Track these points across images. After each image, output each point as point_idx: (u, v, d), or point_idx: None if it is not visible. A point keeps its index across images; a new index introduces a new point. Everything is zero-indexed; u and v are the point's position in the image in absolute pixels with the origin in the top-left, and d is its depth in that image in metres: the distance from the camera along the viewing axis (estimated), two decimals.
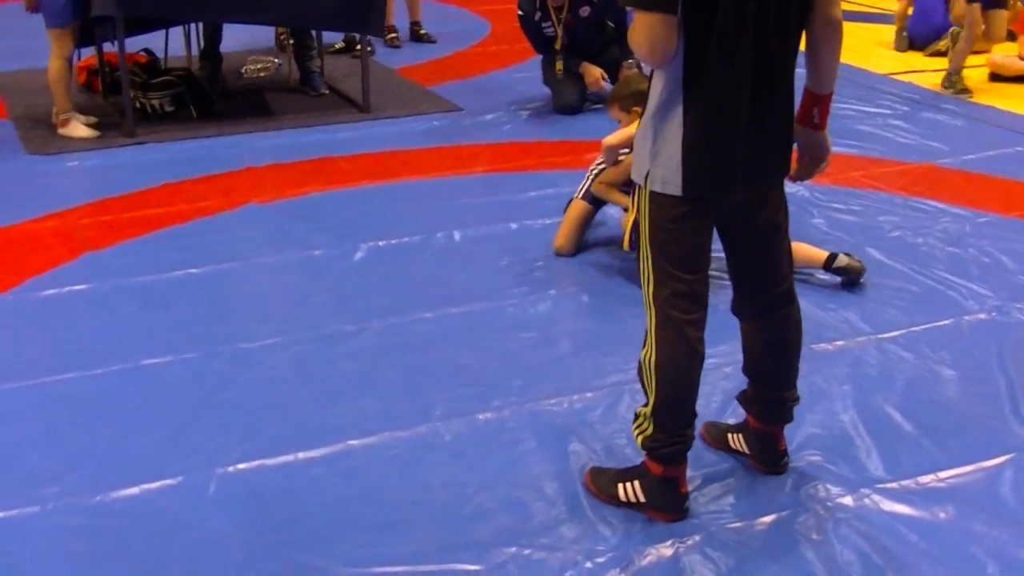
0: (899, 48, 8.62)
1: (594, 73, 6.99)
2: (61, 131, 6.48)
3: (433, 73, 8.02)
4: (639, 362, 3.09)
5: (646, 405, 3.10)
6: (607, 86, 6.89)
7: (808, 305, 4.32)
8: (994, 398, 3.76)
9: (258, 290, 4.61)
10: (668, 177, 2.88)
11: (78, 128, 6.46)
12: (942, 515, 3.17)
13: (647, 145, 2.91)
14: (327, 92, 7.37)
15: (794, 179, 3.22)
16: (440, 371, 3.95)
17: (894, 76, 7.89)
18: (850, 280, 4.55)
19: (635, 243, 3.70)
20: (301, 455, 3.47)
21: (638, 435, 3.12)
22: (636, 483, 3.18)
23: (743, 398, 3.37)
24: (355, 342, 4.16)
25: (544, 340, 4.16)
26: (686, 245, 2.97)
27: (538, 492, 3.30)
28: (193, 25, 7.38)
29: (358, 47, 7.70)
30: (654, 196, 2.93)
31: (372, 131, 6.69)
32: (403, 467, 3.43)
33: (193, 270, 4.76)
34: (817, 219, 5.12)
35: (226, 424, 3.64)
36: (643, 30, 2.76)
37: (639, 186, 2.99)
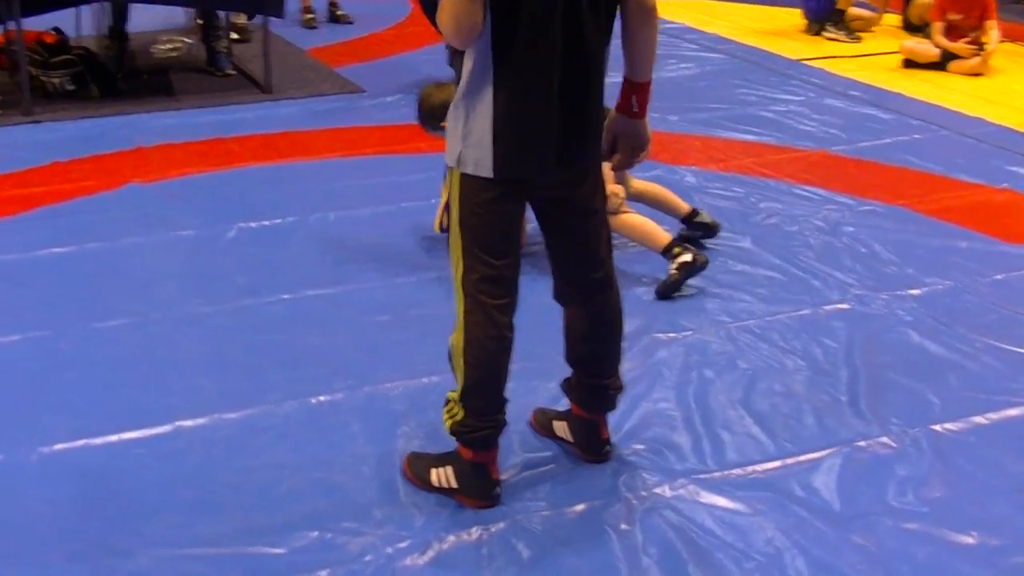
0: (809, 31, 8.60)
1: None
2: None
3: (342, 54, 7.98)
4: (448, 346, 3.07)
5: (455, 390, 3.08)
6: None
7: (644, 297, 4.35)
8: (835, 390, 3.75)
9: (121, 270, 4.57)
10: (479, 159, 2.87)
11: None
12: (756, 507, 3.17)
13: (458, 126, 2.90)
14: (233, 72, 7.33)
15: (614, 168, 3.21)
16: (286, 353, 3.93)
17: (807, 62, 7.86)
18: (707, 235, 4.67)
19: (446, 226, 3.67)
20: (127, 435, 3.45)
21: (448, 420, 3.11)
22: (449, 468, 3.17)
23: (566, 385, 3.36)
24: (207, 323, 4.14)
25: (398, 324, 4.14)
26: (496, 229, 2.96)
27: (356, 476, 3.28)
28: (100, 4, 7.29)
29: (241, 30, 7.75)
30: (465, 178, 2.92)
31: (270, 112, 6.66)
32: (228, 449, 3.41)
33: (59, 249, 4.72)
34: (696, 204, 5.09)
35: (59, 403, 3.62)
36: (448, 8, 2.75)
37: (450, 168, 2.96)
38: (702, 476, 3.30)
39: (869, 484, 3.26)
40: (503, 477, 3.24)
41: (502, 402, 3.10)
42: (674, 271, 4.31)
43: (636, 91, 3.03)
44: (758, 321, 4.20)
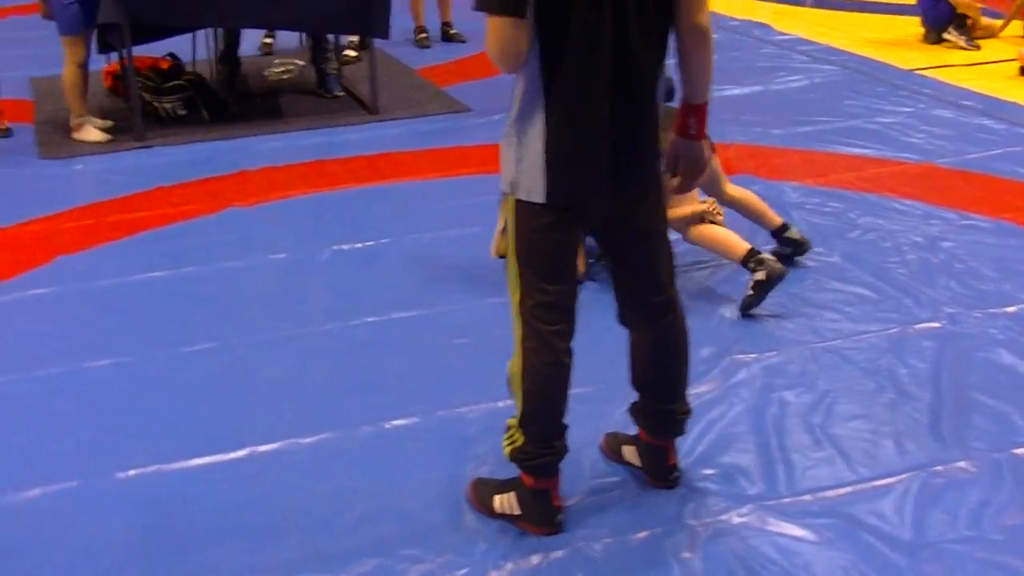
0: (928, 40, 8.40)
1: None
2: (74, 135, 6.64)
3: (452, 73, 8.03)
4: (507, 372, 3.07)
5: (515, 416, 3.08)
6: None
7: (729, 317, 4.29)
8: (917, 412, 3.66)
9: (212, 294, 4.67)
10: (532, 184, 2.87)
11: (90, 132, 6.62)
12: (824, 535, 3.11)
13: (511, 151, 2.90)
14: (342, 94, 7.44)
15: (673, 190, 3.18)
16: (365, 377, 3.98)
17: (920, 71, 7.67)
18: (796, 252, 4.57)
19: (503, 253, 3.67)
20: (201, 460, 3.53)
21: (507, 446, 3.11)
22: (512, 495, 3.16)
23: (633, 410, 3.33)
24: (290, 347, 4.21)
25: (478, 346, 4.15)
26: (550, 255, 2.95)
27: (423, 502, 3.30)
28: (212, 30, 7.48)
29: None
30: (519, 204, 2.92)
31: (375, 133, 6.73)
32: (300, 474, 3.46)
33: (155, 274, 4.85)
34: (793, 220, 5.00)
35: (138, 428, 3.71)
36: (492, 34, 2.75)
37: (505, 194, 2.97)
38: (771, 502, 3.24)
39: (944, 510, 3.18)
40: (569, 503, 3.24)
41: (561, 428, 3.09)
42: (750, 292, 4.24)
43: (694, 113, 3.01)
44: (844, 341, 4.11)
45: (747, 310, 4.27)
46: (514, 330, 3.02)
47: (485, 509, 3.21)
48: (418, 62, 8.41)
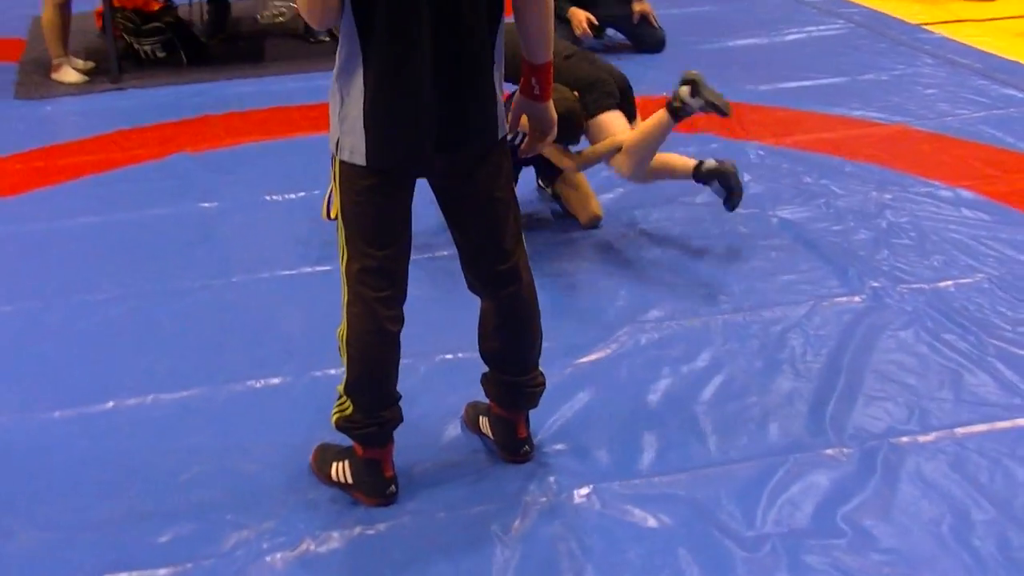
0: None
1: (579, 17, 6.69)
2: (53, 76, 6.62)
3: None
4: (337, 338, 2.98)
5: (343, 383, 2.99)
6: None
7: (650, 279, 4.14)
8: (803, 394, 3.50)
9: (133, 242, 4.62)
10: (354, 145, 2.76)
11: (68, 73, 6.59)
12: (662, 519, 2.98)
13: (335, 109, 2.79)
14: (327, 39, 7.30)
15: (521, 153, 3.05)
16: (255, 333, 3.91)
17: (928, 26, 7.36)
18: (727, 186, 4.31)
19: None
20: (66, 412, 3.49)
21: (336, 414, 3.02)
22: (347, 463, 3.08)
23: (484, 380, 3.23)
24: (191, 299, 4.16)
25: None
26: (376, 218, 2.84)
27: (267, 465, 3.23)
28: None
29: None
30: (343, 165, 2.82)
31: None
32: (157, 430, 3.41)
33: (85, 219, 4.82)
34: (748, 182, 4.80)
35: (15, 377, 3.69)
36: None
37: (332, 154, 2.86)
38: (617, 483, 3.12)
39: (794, 501, 3.03)
40: (414, 473, 3.15)
41: (391, 398, 3.00)
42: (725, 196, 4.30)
43: (535, 73, 2.88)
44: (751, 313, 3.96)
45: (736, 204, 4.31)
46: (341, 294, 2.92)
47: (323, 476, 3.13)
48: None
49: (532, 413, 3.24)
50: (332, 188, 2.90)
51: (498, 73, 2.82)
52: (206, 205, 4.94)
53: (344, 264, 2.89)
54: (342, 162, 2.80)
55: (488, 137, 2.85)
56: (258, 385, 3.61)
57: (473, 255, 3.01)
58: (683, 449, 3.26)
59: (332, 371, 3.59)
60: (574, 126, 4.23)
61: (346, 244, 2.87)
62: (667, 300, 4.04)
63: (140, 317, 4.04)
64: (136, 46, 6.85)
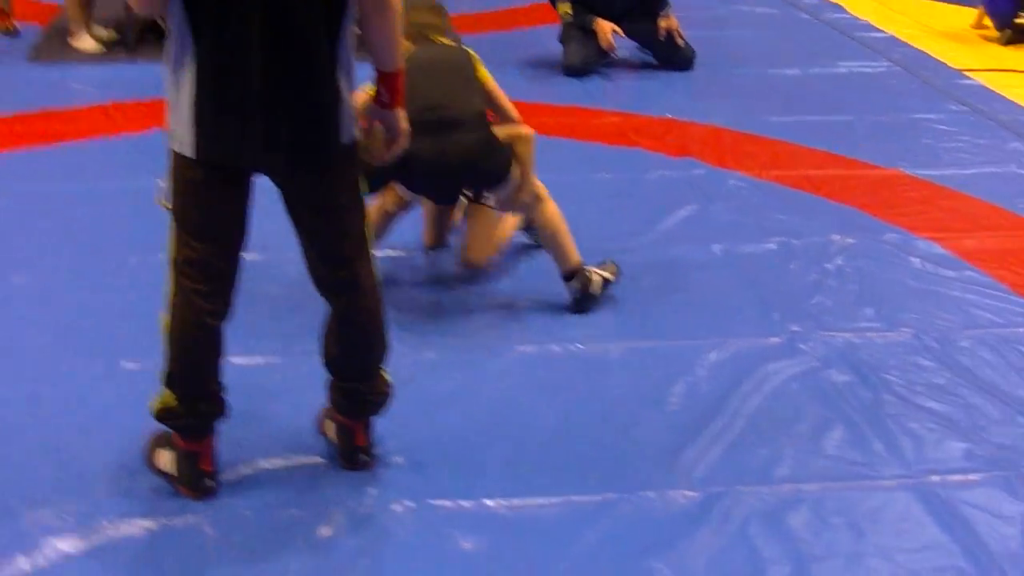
0: (1001, 41, 7.76)
1: (604, 29, 6.61)
2: (69, 41, 6.70)
3: (472, 23, 7.79)
4: (160, 327, 2.94)
5: (163, 373, 2.95)
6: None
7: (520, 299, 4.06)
8: (677, 431, 3.37)
9: (81, 216, 4.62)
10: (183, 136, 2.73)
11: (85, 41, 6.68)
12: (477, 544, 2.89)
13: (169, 97, 2.76)
14: None
15: (373, 160, 2.99)
16: (132, 312, 3.81)
17: (971, 72, 7.09)
18: (579, 304, 3.98)
19: None
20: None
21: (156, 403, 2.98)
22: (171, 453, 3.04)
23: (328, 385, 3.16)
24: (79, 280, 4.14)
25: (258, 293, 3.94)
26: (202, 212, 2.81)
27: (99, 449, 3.19)
28: None
29: None
30: (175, 156, 2.79)
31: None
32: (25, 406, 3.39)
33: (31, 187, 4.83)
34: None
35: None
36: None
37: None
38: (442, 502, 3.03)
39: (615, 541, 2.92)
40: (250, 469, 3.11)
41: (210, 392, 2.95)
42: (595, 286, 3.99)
43: (383, 81, 2.85)
44: (655, 345, 3.84)
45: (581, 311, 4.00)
46: (166, 283, 2.88)
47: (151, 464, 3.09)
48: None
49: (385, 424, 3.18)
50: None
51: (344, 75, 2.75)
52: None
53: (171, 252, 2.85)
54: (174, 152, 2.76)
55: (328, 141, 2.78)
56: (120, 366, 3.56)
57: (313, 260, 2.96)
58: (527, 477, 3.15)
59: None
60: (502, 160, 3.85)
61: (175, 235, 2.83)
62: (578, 325, 3.91)
63: (49, 290, 4.03)
64: (160, 21, 6.86)
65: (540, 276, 4.17)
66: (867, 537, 2.94)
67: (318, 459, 3.19)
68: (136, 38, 6.69)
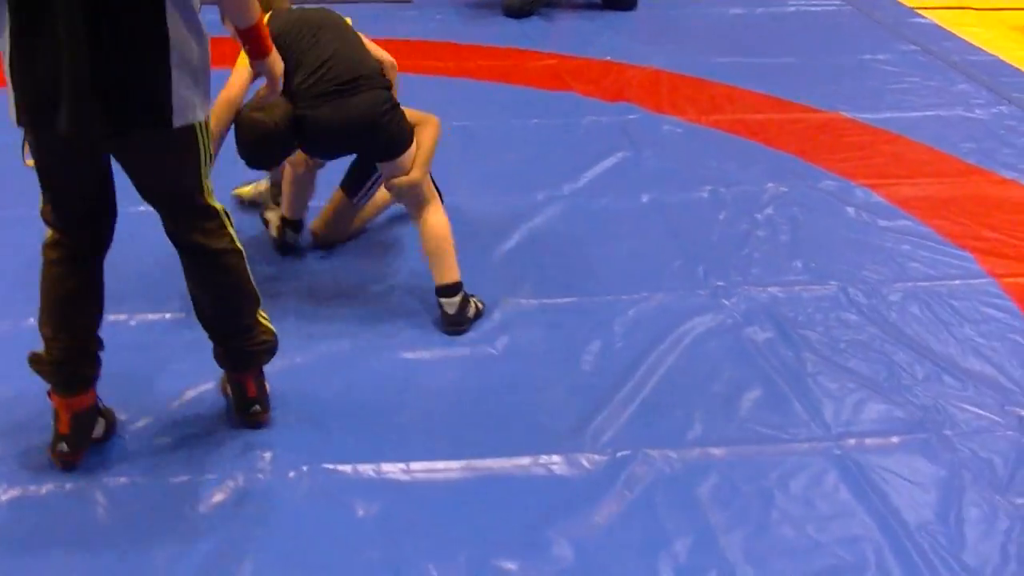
0: None
1: None
2: None
3: None
4: None
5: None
6: None
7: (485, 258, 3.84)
8: (589, 392, 3.25)
9: None
10: (9, 103, 2.57)
11: None
12: (369, 510, 2.79)
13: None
14: None
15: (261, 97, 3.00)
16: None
17: (923, 11, 6.93)
18: (453, 323, 3.57)
19: None
20: None
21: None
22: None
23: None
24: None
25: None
26: (45, 173, 2.70)
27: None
28: None
29: None
30: None
31: None
32: None
33: None
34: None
35: None
36: None
37: None
38: (339, 467, 2.92)
39: (509, 507, 2.81)
40: (142, 433, 3.01)
41: (71, 346, 2.81)
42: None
43: (244, 38, 2.76)
44: (572, 302, 3.72)
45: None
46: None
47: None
48: None
49: (285, 382, 3.13)
50: None
51: (178, 52, 2.53)
52: None
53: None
54: None
55: (153, 118, 2.58)
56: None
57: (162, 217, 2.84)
58: (429, 441, 3.03)
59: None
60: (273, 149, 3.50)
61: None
62: (489, 281, 3.78)
63: None
64: None
65: None
66: (776, 505, 2.83)
67: (212, 420, 3.07)
68: None
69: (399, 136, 3.50)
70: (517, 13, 6.46)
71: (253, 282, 2.91)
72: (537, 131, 4.95)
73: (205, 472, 2.88)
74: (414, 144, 3.54)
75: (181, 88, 2.55)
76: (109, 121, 2.53)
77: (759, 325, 3.57)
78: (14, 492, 2.79)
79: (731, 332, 3.53)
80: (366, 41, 3.63)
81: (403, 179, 3.53)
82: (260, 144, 3.37)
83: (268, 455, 2.95)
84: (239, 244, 2.86)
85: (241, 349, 2.97)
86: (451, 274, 3.53)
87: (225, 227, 2.82)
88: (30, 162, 2.67)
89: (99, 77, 2.47)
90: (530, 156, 4.68)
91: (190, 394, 3.16)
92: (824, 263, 3.94)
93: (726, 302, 3.69)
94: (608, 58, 5.85)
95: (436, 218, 3.58)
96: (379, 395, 3.21)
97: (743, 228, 4.17)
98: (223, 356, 3.00)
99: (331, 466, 2.91)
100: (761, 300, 3.70)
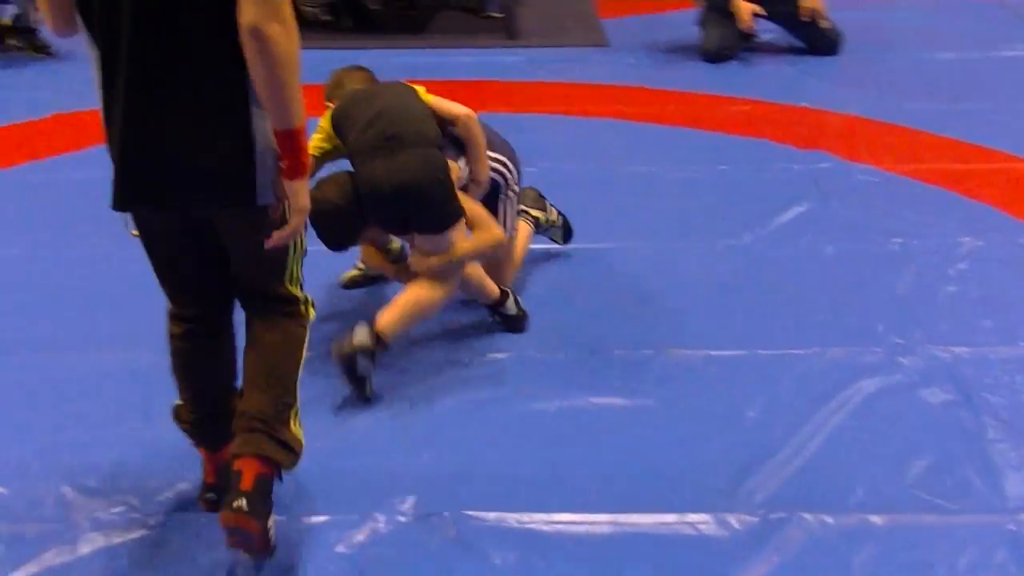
0: None
1: (743, 11, 6.28)
2: None
3: (612, 7, 7.54)
4: None
5: None
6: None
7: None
8: (751, 448, 3.13)
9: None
10: None
11: None
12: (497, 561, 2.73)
13: None
14: (500, 16, 7.12)
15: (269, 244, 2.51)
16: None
17: None
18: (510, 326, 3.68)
19: None
20: None
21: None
22: None
23: None
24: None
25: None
26: (152, 256, 2.66)
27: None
28: None
29: None
30: None
31: (489, 59, 6.44)
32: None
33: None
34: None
35: None
36: None
37: None
38: (475, 514, 2.88)
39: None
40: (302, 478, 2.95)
41: (203, 408, 2.81)
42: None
43: (278, 139, 2.37)
44: (737, 355, 3.58)
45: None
46: None
47: None
48: None
49: (442, 432, 3.17)
50: None
51: (260, 113, 2.36)
52: None
53: None
54: None
55: (229, 193, 2.44)
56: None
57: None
58: (576, 493, 2.99)
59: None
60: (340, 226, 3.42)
61: None
62: (654, 329, 3.72)
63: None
64: (300, 7, 6.85)
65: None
66: None
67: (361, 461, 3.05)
68: None
69: (445, 204, 3.36)
70: (715, 58, 6.34)
71: (301, 365, 2.71)
72: (723, 177, 4.83)
73: (345, 512, 2.85)
74: (460, 232, 3.40)
75: (255, 154, 2.42)
76: (188, 201, 2.48)
77: (938, 386, 3.37)
78: (159, 518, 2.86)
79: (906, 392, 3.35)
80: (435, 100, 3.49)
81: (426, 260, 3.40)
82: (323, 224, 3.30)
83: (411, 499, 2.91)
84: (308, 327, 2.74)
85: (265, 432, 2.62)
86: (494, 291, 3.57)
87: (301, 314, 2.73)
88: (135, 232, 2.61)
89: (167, 152, 2.40)
90: (712, 203, 4.57)
91: (336, 431, 3.17)
92: (1017, 323, 3.71)
93: (903, 360, 3.50)
94: (804, 104, 5.68)
95: (432, 293, 3.43)
96: (526, 444, 3.16)
97: (931, 283, 3.96)
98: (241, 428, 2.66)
99: (473, 513, 2.86)
100: (943, 360, 3.49)
